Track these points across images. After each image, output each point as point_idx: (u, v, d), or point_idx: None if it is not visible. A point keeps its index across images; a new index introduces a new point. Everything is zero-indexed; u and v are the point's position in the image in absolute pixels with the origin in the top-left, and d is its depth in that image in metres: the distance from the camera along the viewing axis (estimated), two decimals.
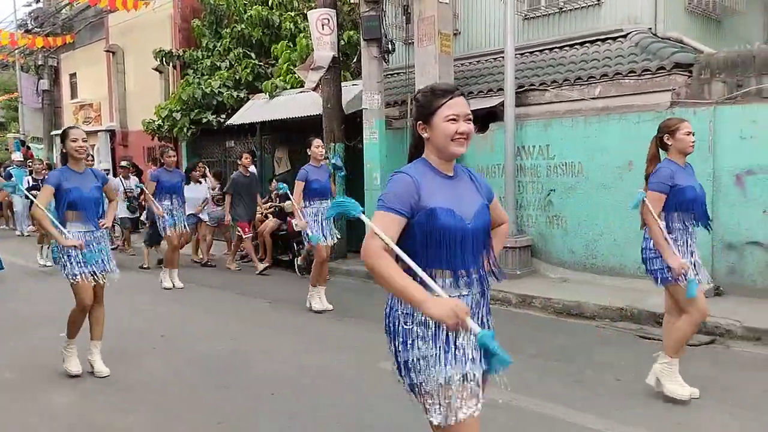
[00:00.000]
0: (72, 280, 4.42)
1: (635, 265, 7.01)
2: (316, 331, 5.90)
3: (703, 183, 6.48)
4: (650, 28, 7.81)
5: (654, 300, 6.04)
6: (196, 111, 12.31)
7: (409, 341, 2.13)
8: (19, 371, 4.76)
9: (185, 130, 12.50)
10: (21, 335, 5.82)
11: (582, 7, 8.33)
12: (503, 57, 8.10)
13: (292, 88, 11.11)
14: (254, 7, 12.20)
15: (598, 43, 8.02)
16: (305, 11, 11.38)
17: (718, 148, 6.32)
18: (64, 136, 4.52)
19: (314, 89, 9.63)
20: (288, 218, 9.11)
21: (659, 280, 3.90)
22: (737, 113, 6.22)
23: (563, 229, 7.64)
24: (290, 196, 6.67)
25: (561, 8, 8.49)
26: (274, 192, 9.44)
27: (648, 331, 5.56)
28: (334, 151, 9.37)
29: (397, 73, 10.04)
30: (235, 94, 12.01)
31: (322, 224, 6.51)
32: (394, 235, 2.08)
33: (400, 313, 2.19)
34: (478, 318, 2.20)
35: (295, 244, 9.19)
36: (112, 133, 17.05)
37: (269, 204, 9.91)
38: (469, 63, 9.40)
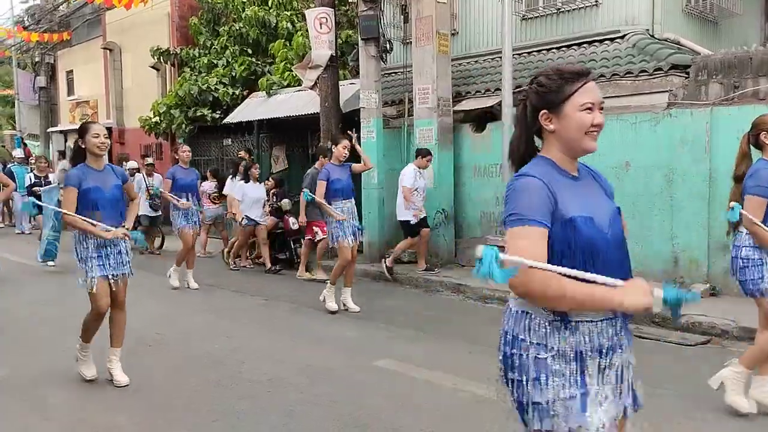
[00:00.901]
0: (91, 284, 4.12)
1: (633, 265, 7.04)
2: (310, 330, 5.90)
3: (698, 184, 6.59)
4: (647, 30, 7.83)
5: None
6: (192, 108, 12.30)
7: (543, 377, 1.73)
8: (17, 370, 4.75)
9: (183, 127, 12.48)
10: (20, 334, 5.80)
11: (580, 8, 8.34)
12: (501, 57, 8.11)
13: (289, 86, 11.11)
14: (251, 8, 12.19)
15: (596, 44, 8.03)
16: (303, 11, 11.38)
17: (715, 148, 6.34)
18: (83, 131, 4.21)
19: (312, 88, 9.64)
20: (284, 217, 9.11)
21: (751, 292, 3.64)
22: (734, 114, 6.24)
23: None
24: (316, 202, 6.40)
25: (559, 9, 8.51)
26: (272, 191, 9.43)
27: (644, 330, 5.57)
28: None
29: (395, 73, 10.05)
30: (231, 91, 12.00)
31: (344, 224, 6.32)
32: (544, 253, 1.68)
33: (529, 342, 1.76)
34: (620, 344, 1.85)
35: (291, 243, 9.19)
36: (109, 130, 16.95)
37: (267, 202, 9.90)
38: (467, 63, 9.41)
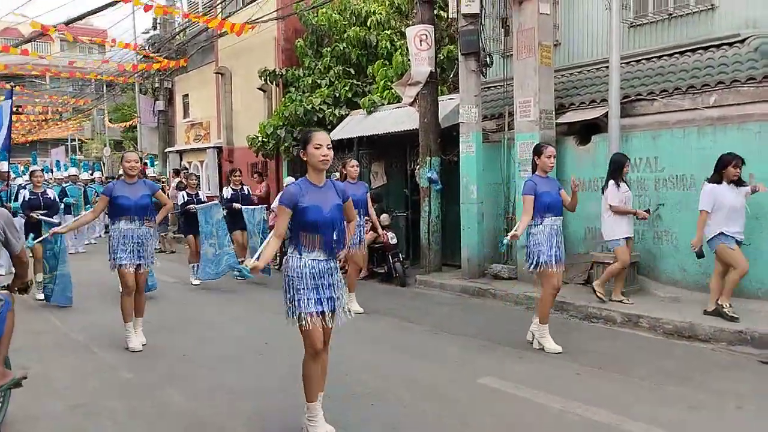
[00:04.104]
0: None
1: (755, 285, 6.53)
2: (411, 344, 5.92)
3: None
4: None
5: None
6: (299, 129, 12.81)
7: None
8: (137, 372, 5.13)
9: (291, 148, 13.02)
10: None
11: (694, 12, 7.90)
12: (606, 67, 7.84)
13: (389, 103, 11.31)
14: (352, 28, 12.57)
15: (713, 49, 7.55)
16: (402, 29, 11.58)
17: None
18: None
19: (411, 104, 9.76)
20: (383, 232, 9.23)
21: None
22: None
23: (673, 245, 7.23)
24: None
25: (671, 14, 8.10)
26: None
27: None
28: (430, 165, 9.42)
29: (494, 86, 9.96)
30: (336, 111, 12.38)
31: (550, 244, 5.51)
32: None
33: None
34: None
35: (390, 257, 9.28)
36: (219, 149, 18.06)
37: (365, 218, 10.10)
38: (570, 74, 9.15)
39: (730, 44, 7.39)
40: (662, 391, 4.39)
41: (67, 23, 14.39)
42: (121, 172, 6.17)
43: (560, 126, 8.30)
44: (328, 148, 3.54)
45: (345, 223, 3.74)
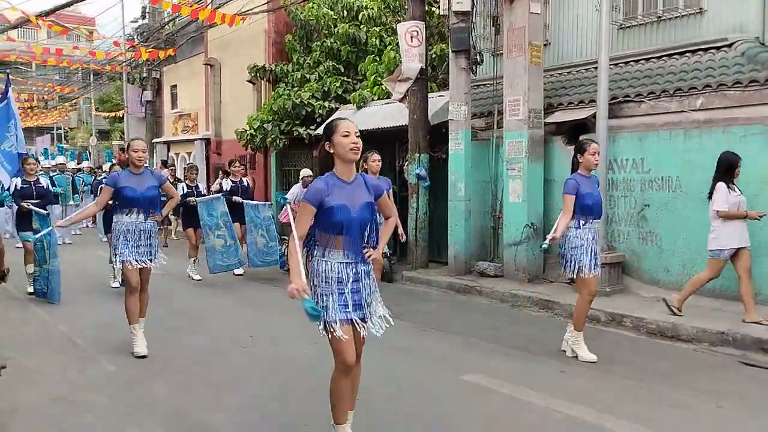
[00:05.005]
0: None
1: (738, 286, 6.59)
2: (397, 340, 5.92)
3: None
4: (757, 37, 7.35)
5: (759, 325, 5.66)
6: (286, 122, 12.75)
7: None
8: (119, 364, 5.09)
9: (277, 141, 12.96)
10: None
11: (682, 16, 7.96)
12: (595, 68, 7.88)
13: (379, 99, 11.29)
14: (341, 25, 12.52)
15: (700, 52, 7.62)
16: (393, 25, 11.55)
17: None
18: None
19: (401, 100, 9.75)
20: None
21: None
22: None
23: (658, 246, 7.30)
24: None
25: (660, 17, 8.15)
26: None
27: (752, 357, 5.20)
28: (418, 161, 9.43)
29: (484, 85, 9.98)
30: (326, 104, 12.34)
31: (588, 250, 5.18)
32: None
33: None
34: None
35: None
36: (207, 141, 17.95)
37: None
38: (559, 74, 9.20)
39: (718, 48, 7.47)
40: (644, 390, 4.44)
41: (54, 11, 14.17)
42: (115, 162, 6.00)
43: (548, 125, 8.34)
44: (357, 136, 3.19)
45: (377, 221, 3.30)
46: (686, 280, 6.90)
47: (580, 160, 5.20)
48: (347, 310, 3.19)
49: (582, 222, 5.08)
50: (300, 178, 9.75)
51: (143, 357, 5.18)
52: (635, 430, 3.73)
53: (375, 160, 6.81)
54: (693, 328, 5.78)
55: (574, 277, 5.17)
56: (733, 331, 5.57)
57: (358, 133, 3.22)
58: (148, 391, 4.46)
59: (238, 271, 9.45)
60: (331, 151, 3.21)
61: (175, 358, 5.21)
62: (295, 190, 9.66)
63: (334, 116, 12.13)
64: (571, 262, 5.09)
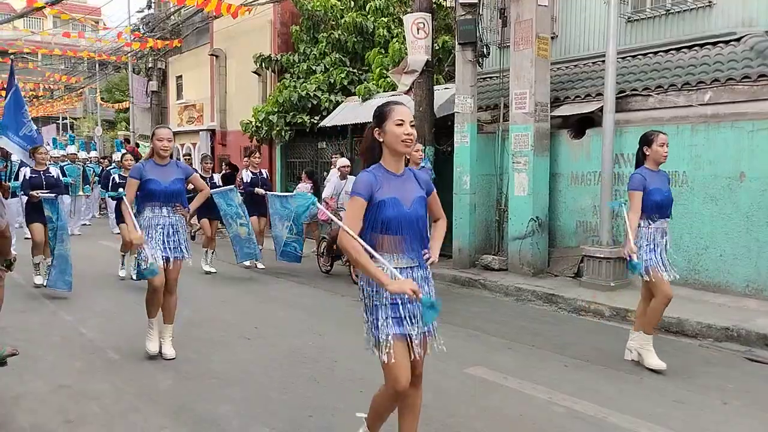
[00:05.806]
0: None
1: (743, 282, 6.58)
2: None
3: None
4: (766, 31, 7.29)
5: (764, 320, 5.65)
6: (291, 114, 12.74)
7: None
8: (124, 354, 5.11)
9: (283, 133, 12.96)
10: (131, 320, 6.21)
11: (691, 9, 7.89)
12: (602, 61, 7.83)
13: (384, 92, 11.26)
14: (349, 13, 12.47)
15: (709, 46, 7.57)
16: (401, 15, 11.51)
17: None
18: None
19: (407, 93, 9.71)
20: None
21: None
22: None
23: None
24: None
25: (668, 10, 8.09)
26: None
27: (757, 353, 5.18)
28: (423, 154, 9.38)
29: (490, 77, 9.93)
30: (332, 97, 12.32)
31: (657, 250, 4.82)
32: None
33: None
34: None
35: None
36: (212, 132, 17.95)
37: None
38: (566, 67, 9.15)
39: (726, 42, 7.42)
40: (648, 385, 4.43)
41: (59, 0, 14.16)
42: (124, 152, 5.74)
43: (555, 119, 8.30)
44: (412, 126, 2.77)
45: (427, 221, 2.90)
46: (692, 275, 6.89)
47: (647, 153, 4.73)
48: (401, 323, 2.76)
49: (650, 221, 4.68)
50: (336, 168, 9.22)
51: (153, 356, 4.96)
52: (639, 425, 3.73)
53: (417, 150, 6.60)
54: (698, 323, 5.77)
55: (649, 279, 4.68)
56: (737, 327, 5.55)
57: (413, 123, 2.81)
58: (152, 381, 4.48)
59: (261, 265, 9.24)
60: (381, 140, 2.82)
61: (179, 349, 5.21)
62: (333, 180, 9.10)
63: (338, 109, 12.10)
64: (641, 264, 4.62)
